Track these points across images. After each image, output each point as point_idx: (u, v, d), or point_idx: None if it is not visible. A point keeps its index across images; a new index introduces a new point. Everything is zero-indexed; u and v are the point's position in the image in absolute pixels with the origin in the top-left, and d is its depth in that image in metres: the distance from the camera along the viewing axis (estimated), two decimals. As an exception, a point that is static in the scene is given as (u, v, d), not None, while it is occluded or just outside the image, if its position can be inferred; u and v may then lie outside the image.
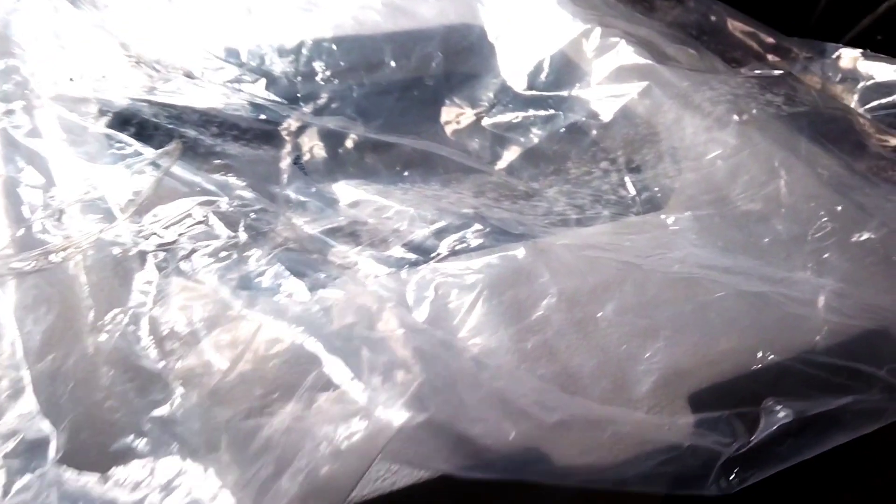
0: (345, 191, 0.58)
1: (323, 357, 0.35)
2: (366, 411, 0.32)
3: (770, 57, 1.07)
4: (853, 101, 0.88)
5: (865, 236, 0.56)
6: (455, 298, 0.46)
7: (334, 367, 0.34)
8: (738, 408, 0.41)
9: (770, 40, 1.10)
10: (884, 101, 0.86)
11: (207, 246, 0.42)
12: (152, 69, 0.62)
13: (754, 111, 0.68)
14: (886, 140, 0.83)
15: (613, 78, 0.78)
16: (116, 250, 0.41)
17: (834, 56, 0.99)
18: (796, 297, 0.50)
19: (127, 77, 0.59)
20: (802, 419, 0.40)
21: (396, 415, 0.32)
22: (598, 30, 0.84)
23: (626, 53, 0.79)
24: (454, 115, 0.83)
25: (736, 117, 0.67)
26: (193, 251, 0.41)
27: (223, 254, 0.41)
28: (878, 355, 0.45)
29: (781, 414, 0.40)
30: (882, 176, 0.72)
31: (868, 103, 0.87)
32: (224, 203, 0.46)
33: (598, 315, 0.46)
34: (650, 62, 0.76)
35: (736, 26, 1.08)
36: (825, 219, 0.58)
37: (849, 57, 0.97)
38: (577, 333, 0.45)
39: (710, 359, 0.45)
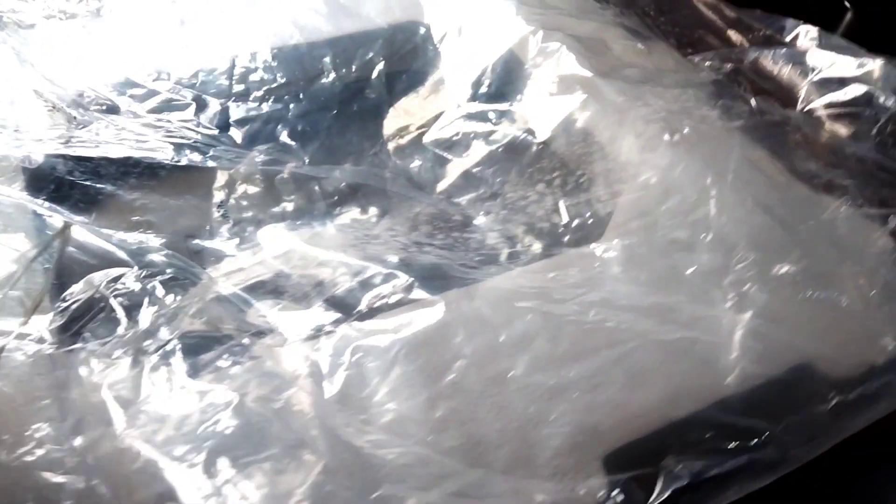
0: (270, 238, 0.58)
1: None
2: None
3: (731, 33, 1.05)
4: (802, 92, 0.88)
5: (785, 269, 0.57)
6: (371, 362, 0.47)
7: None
8: (640, 468, 0.43)
9: (731, 14, 1.08)
10: (832, 98, 0.85)
11: (105, 342, 0.42)
12: (69, 114, 0.60)
13: (686, 130, 0.67)
14: (833, 138, 0.83)
15: (554, 89, 0.77)
16: (21, 357, 0.42)
17: (792, 35, 0.98)
18: (710, 341, 0.51)
19: (42, 127, 0.58)
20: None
21: None
22: (540, 33, 0.82)
23: (566, 62, 0.78)
24: (396, 131, 0.82)
25: (667, 137, 0.67)
26: (91, 353, 0.42)
27: (118, 353, 0.42)
28: (780, 407, 0.47)
29: (677, 478, 0.42)
30: (815, 183, 0.72)
31: (821, 96, 0.86)
32: (131, 278, 0.46)
33: (510, 375, 0.47)
34: (589, 74, 0.75)
35: (697, -1, 1.06)
36: (749, 248, 0.59)
37: (806, 37, 0.96)
38: (487, 396, 0.46)
39: (619, 418, 0.46)
